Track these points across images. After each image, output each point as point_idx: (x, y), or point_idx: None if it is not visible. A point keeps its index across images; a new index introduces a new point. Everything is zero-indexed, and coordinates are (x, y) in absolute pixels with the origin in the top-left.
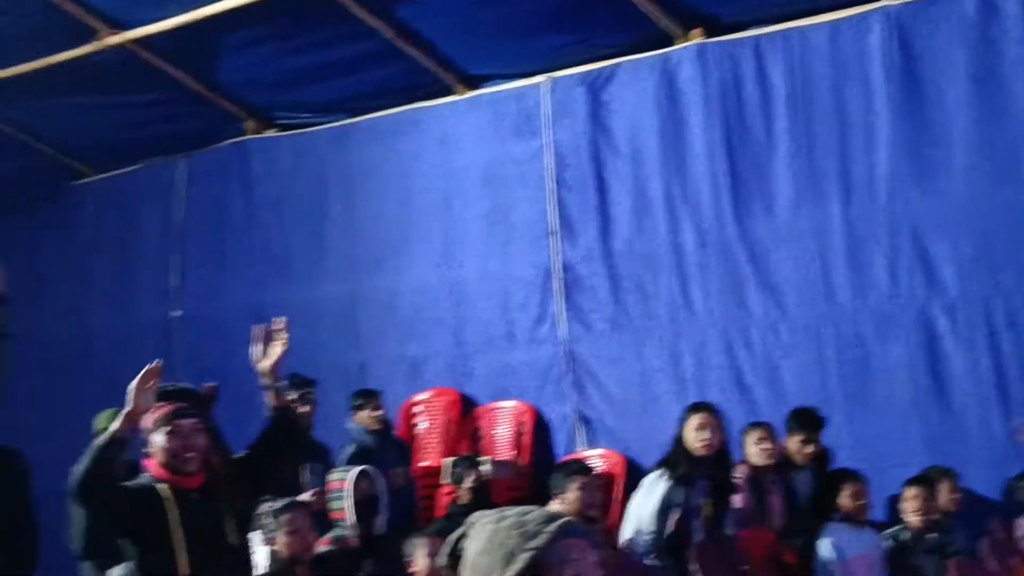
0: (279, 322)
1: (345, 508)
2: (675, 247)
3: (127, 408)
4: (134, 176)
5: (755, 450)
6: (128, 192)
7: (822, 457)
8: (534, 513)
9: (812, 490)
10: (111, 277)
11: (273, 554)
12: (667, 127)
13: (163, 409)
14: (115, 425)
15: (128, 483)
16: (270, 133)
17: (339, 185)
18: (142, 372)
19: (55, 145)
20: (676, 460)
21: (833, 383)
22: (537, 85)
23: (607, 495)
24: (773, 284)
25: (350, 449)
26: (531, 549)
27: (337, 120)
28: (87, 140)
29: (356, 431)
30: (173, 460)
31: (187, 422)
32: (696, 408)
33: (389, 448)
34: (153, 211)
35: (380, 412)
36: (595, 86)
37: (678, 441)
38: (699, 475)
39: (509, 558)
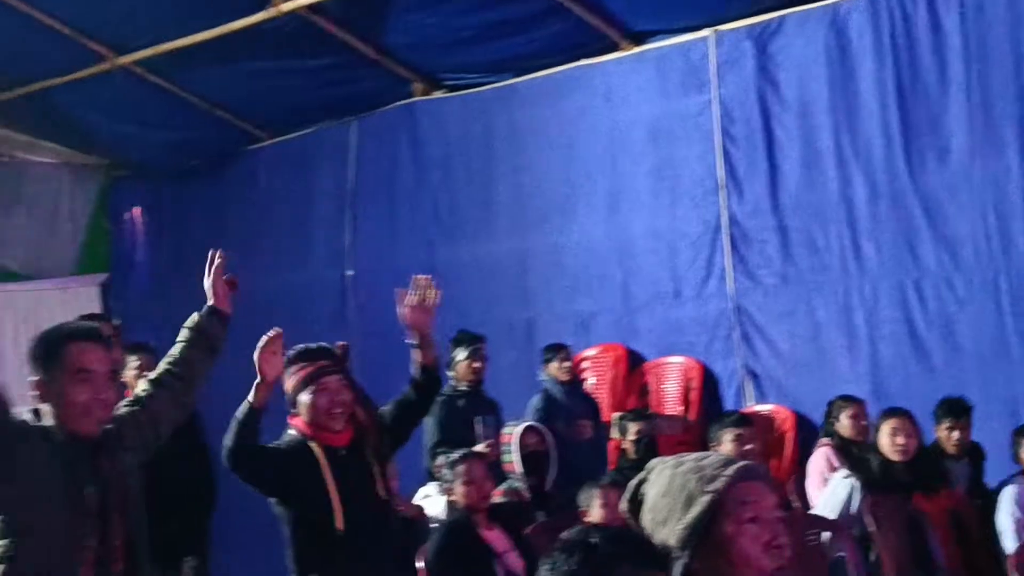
0: (422, 279)
1: (513, 461)
2: (846, 200)
3: (258, 378)
4: (308, 139)
5: (887, 442)
6: (302, 155)
7: (975, 451)
8: (712, 458)
9: (968, 482)
10: (288, 238)
11: (450, 504)
12: (836, 79)
13: (306, 369)
14: (251, 396)
15: (279, 444)
16: (438, 94)
17: (506, 144)
18: (264, 340)
19: (233, 111)
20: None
21: (1010, 336)
22: (703, 39)
23: (766, 447)
24: (947, 236)
25: (537, 399)
26: (710, 492)
27: (504, 80)
28: (263, 105)
29: (547, 382)
30: (321, 417)
31: (332, 379)
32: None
33: (577, 400)
34: (326, 173)
35: (568, 364)
36: (762, 39)
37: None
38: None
39: (689, 501)
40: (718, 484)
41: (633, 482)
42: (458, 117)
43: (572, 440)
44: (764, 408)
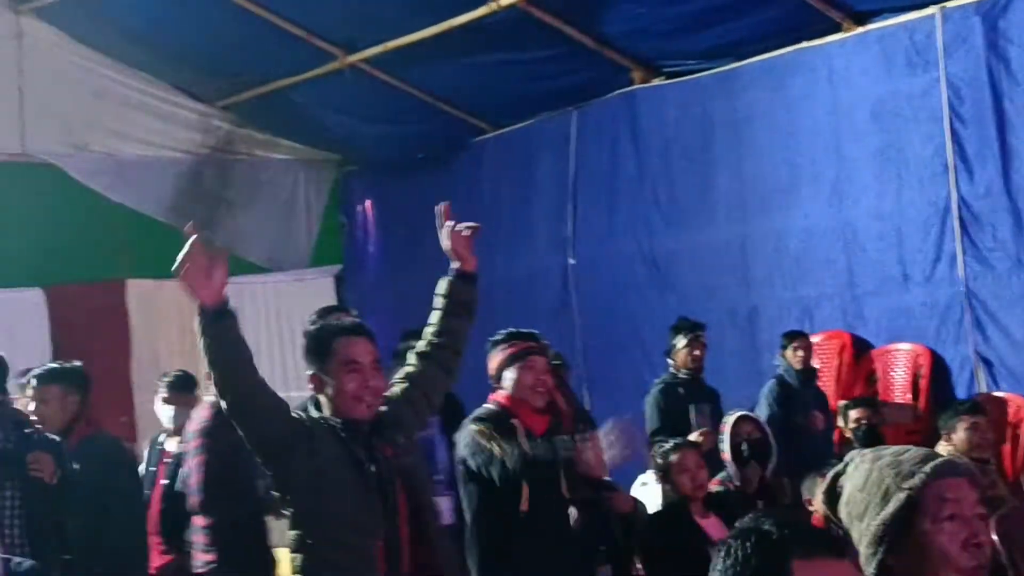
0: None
1: (724, 451)
2: None
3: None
4: (529, 130)
5: None
6: (524, 146)
7: None
8: (911, 452)
9: None
10: (511, 227)
11: (665, 492)
12: None
13: (514, 347)
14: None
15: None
16: (656, 82)
17: (726, 129)
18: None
19: (457, 104)
20: None
21: None
22: (929, 17)
23: (1002, 437)
24: None
25: (770, 384)
26: (907, 489)
27: (723, 65)
28: (485, 98)
29: (782, 368)
30: (525, 391)
31: (538, 360)
32: None
33: (810, 389)
34: (547, 163)
35: (804, 352)
36: (991, 15)
37: None
38: None
39: (885, 496)
40: (915, 481)
41: (830, 474)
42: (677, 104)
43: (808, 431)
44: (997, 395)
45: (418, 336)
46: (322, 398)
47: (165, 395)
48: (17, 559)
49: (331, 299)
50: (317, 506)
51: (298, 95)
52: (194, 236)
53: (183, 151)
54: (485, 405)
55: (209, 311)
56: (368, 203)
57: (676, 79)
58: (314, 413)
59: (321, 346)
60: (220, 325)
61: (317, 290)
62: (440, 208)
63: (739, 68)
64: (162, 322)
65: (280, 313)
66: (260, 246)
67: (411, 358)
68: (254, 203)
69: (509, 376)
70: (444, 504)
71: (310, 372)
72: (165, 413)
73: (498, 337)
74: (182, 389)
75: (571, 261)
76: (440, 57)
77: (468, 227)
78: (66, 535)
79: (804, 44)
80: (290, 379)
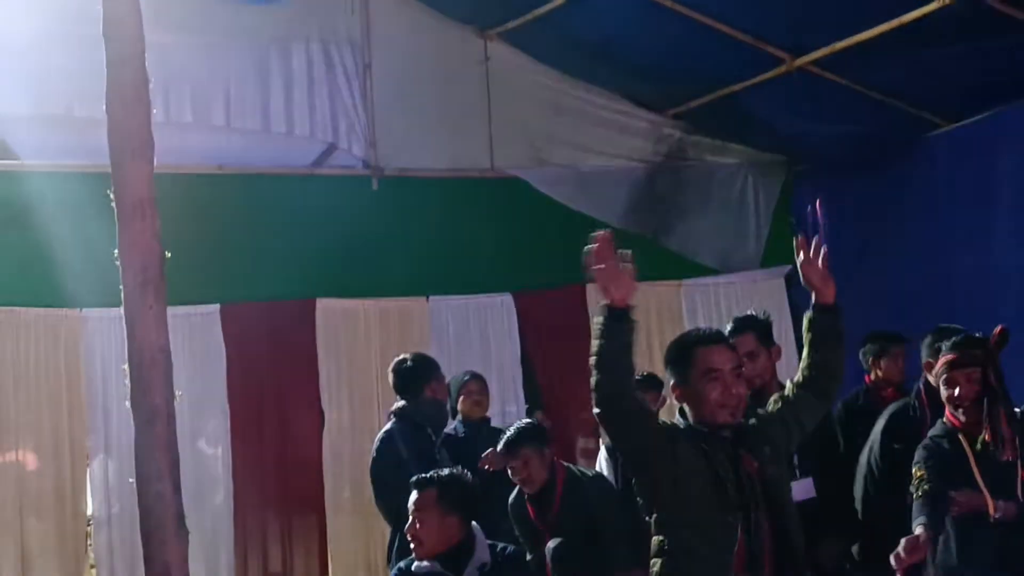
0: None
1: None
2: None
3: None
4: (988, 123)
5: None
6: (981, 140)
7: None
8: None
9: None
10: (967, 224)
11: None
12: None
13: (951, 355)
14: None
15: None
16: None
17: None
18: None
19: (908, 100)
20: None
21: None
22: None
23: None
24: None
25: None
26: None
27: None
28: (938, 92)
29: None
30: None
31: (971, 371)
32: None
33: None
34: (1007, 157)
35: None
36: None
37: None
38: None
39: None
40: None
41: None
42: None
43: None
44: None
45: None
46: (686, 407)
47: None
48: (502, 544)
49: (781, 299)
50: (675, 514)
51: (746, 99)
52: (606, 237)
53: (637, 160)
54: (940, 422)
55: (615, 311)
56: (818, 203)
57: None
58: (680, 423)
59: (682, 356)
60: (620, 327)
61: (767, 291)
62: (797, 242)
63: None
64: None
65: (731, 313)
66: (711, 248)
67: (788, 385)
68: (705, 207)
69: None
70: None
71: (672, 382)
72: None
73: (943, 343)
74: (648, 388)
75: None
76: (890, 54)
77: (821, 256)
78: None
79: None
80: None
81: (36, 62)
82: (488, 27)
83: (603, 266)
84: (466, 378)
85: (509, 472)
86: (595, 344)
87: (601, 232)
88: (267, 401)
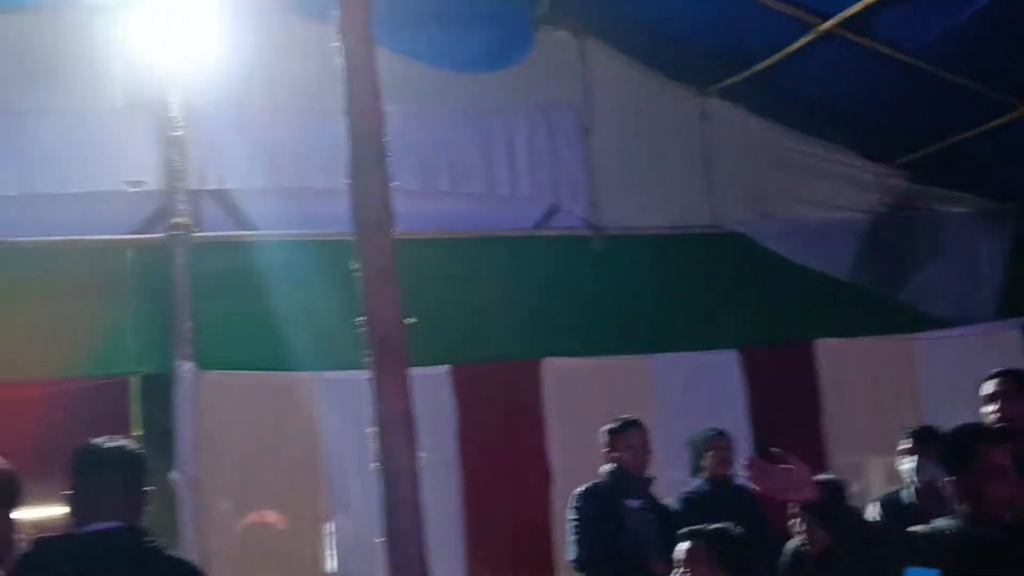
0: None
1: None
2: None
3: None
4: None
5: None
6: None
7: None
8: None
9: None
10: None
11: None
12: None
13: None
14: None
15: None
16: None
17: None
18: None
19: None
20: None
21: None
22: None
23: None
24: None
25: None
26: None
27: None
28: None
29: None
30: None
31: None
32: None
33: None
34: None
35: None
36: None
37: None
38: None
39: None
40: None
41: None
42: None
43: None
44: None
45: None
46: (964, 506)
47: (907, 446)
48: None
49: (1017, 351)
50: None
51: (974, 147)
52: (755, 464)
53: (863, 211)
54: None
55: (813, 506)
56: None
57: None
58: (945, 524)
59: (962, 450)
60: (830, 515)
61: (1003, 343)
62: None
63: None
64: (851, 378)
65: (967, 368)
66: (944, 300)
67: None
68: (936, 257)
69: None
70: None
71: (948, 478)
72: (907, 464)
73: None
74: (923, 440)
75: None
76: None
77: None
78: None
79: None
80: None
81: (272, 137)
82: (707, 84)
83: (771, 484)
84: (712, 434)
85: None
86: (832, 537)
87: (749, 458)
88: (497, 462)
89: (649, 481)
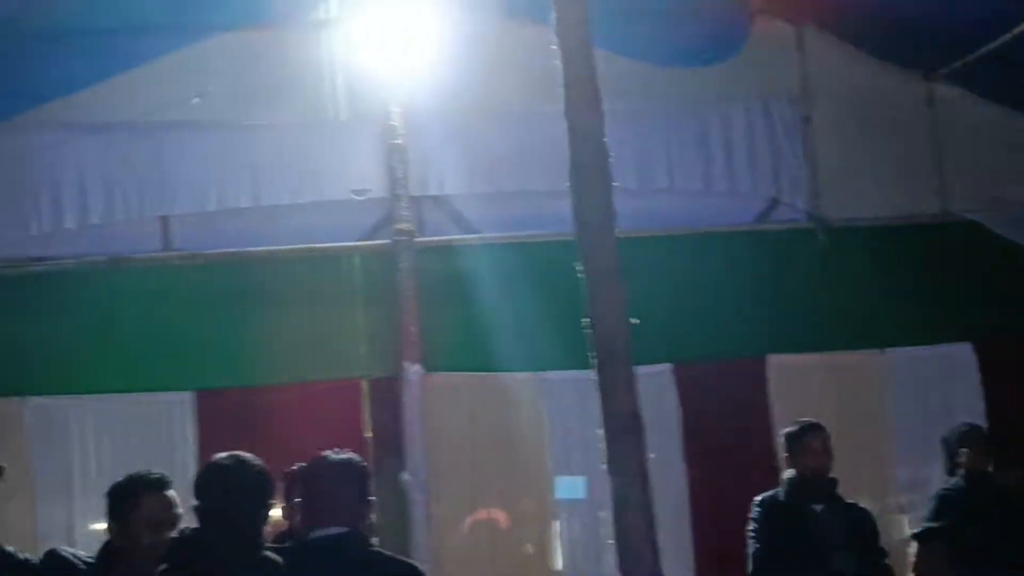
0: None
1: None
2: None
3: None
4: None
5: None
6: None
7: None
8: None
9: None
10: None
11: None
12: None
13: None
14: None
15: None
16: None
17: None
18: None
19: None
20: None
21: None
22: None
23: None
24: None
25: None
26: None
27: None
28: None
29: None
30: None
31: None
32: None
33: None
34: None
35: None
36: None
37: None
38: None
39: None
40: None
41: None
42: None
43: None
44: None
45: None
46: None
47: None
48: None
49: None
50: None
51: None
52: None
53: None
54: None
55: None
56: None
57: None
58: None
59: None
60: None
61: None
62: None
63: None
64: None
65: None
66: None
67: None
68: None
69: None
70: None
71: None
72: None
73: None
74: None
75: None
76: None
77: None
78: None
79: None
80: None
81: (491, 142)
82: (932, 69)
83: None
84: (965, 429)
85: None
86: None
87: None
88: (723, 461)
89: (833, 483)
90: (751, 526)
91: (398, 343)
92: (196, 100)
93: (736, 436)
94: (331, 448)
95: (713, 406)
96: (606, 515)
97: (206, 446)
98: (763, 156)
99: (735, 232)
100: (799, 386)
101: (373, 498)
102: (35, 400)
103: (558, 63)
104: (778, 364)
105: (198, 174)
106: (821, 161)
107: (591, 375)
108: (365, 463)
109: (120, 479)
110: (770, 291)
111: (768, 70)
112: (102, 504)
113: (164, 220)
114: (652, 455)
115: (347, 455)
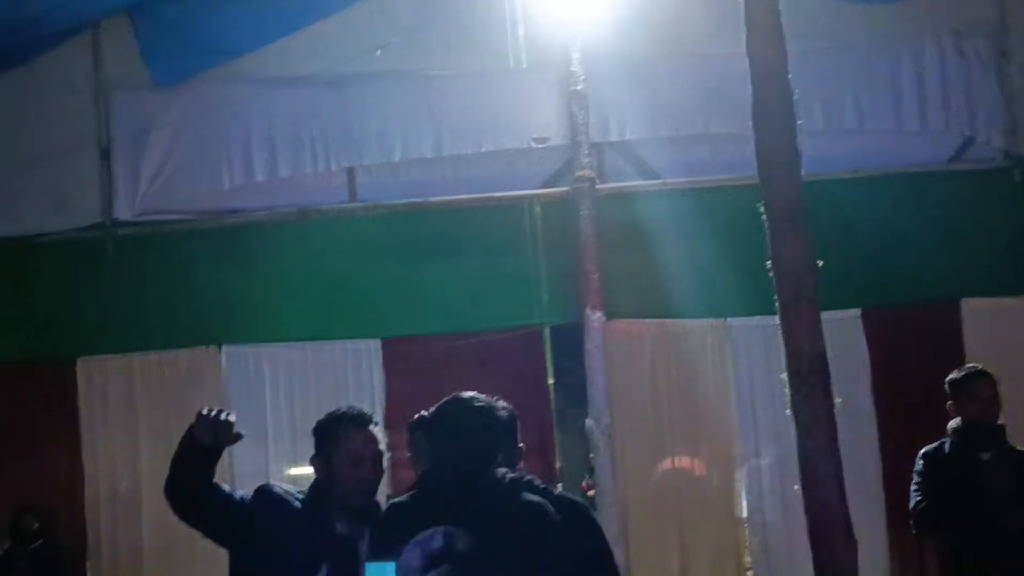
0: None
1: None
2: None
3: None
4: None
5: None
6: None
7: None
8: None
9: None
10: None
11: None
12: None
13: None
14: None
15: None
16: None
17: None
18: None
19: None
20: None
21: None
22: None
23: None
24: None
25: None
26: None
27: None
28: None
29: None
30: None
31: None
32: None
33: None
34: None
35: None
36: None
37: None
38: None
39: None
40: None
41: None
42: None
43: None
44: None
45: None
46: None
47: None
48: None
49: None
50: None
51: None
52: None
53: None
54: None
55: None
56: None
57: None
58: None
59: None
60: None
61: None
62: None
63: None
64: None
65: None
66: None
67: None
68: None
69: None
70: None
71: None
72: None
73: None
74: None
75: None
76: None
77: None
78: None
79: None
80: None
81: (671, 85)
82: None
83: None
84: None
85: None
86: None
87: None
88: (914, 407)
89: (1002, 429)
90: (915, 479)
91: (579, 290)
92: (379, 52)
93: (928, 383)
94: (514, 396)
95: (904, 352)
96: (792, 462)
97: (393, 393)
98: (956, 93)
99: (927, 172)
100: (995, 330)
101: (522, 446)
102: (230, 348)
103: (740, 2)
104: (973, 308)
105: (382, 125)
106: (1018, 97)
107: (776, 321)
108: (513, 411)
109: (321, 417)
110: (964, 233)
111: (962, 3)
112: (294, 448)
113: (350, 171)
114: (839, 400)
115: (495, 401)
